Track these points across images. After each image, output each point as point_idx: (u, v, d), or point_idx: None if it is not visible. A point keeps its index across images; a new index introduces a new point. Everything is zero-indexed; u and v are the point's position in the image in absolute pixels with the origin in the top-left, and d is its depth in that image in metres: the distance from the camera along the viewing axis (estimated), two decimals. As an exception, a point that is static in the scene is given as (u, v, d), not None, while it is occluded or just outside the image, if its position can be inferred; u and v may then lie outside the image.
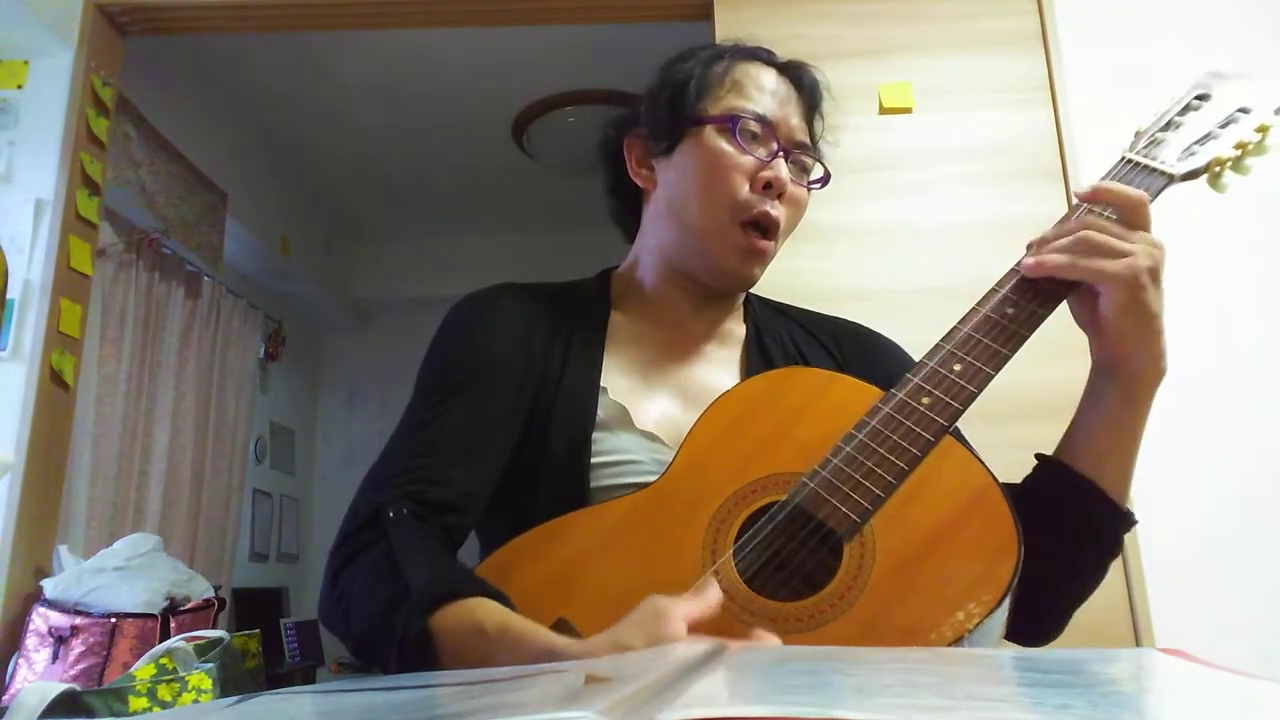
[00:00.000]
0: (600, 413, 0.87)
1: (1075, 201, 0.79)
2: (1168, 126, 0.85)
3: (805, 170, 0.95)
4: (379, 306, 5.07)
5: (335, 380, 5.11)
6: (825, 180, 0.97)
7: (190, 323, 3.56)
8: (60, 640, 1.98)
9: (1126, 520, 0.79)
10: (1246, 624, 1.88)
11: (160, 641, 1.87)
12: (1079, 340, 0.79)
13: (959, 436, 0.75)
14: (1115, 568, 1.92)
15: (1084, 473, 0.77)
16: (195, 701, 1.60)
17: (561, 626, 0.69)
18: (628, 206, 1.02)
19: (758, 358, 0.95)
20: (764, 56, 0.96)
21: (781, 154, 0.90)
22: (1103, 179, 0.81)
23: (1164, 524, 1.93)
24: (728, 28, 2.24)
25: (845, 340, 0.99)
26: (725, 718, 0.27)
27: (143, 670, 1.65)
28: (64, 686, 1.49)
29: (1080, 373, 0.81)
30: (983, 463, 0.71)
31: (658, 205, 0.96)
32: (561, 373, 0.90)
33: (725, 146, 0.90)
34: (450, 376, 0.88)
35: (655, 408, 0.90)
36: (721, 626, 0.63)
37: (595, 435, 0.86)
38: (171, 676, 1.63)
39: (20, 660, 1.99)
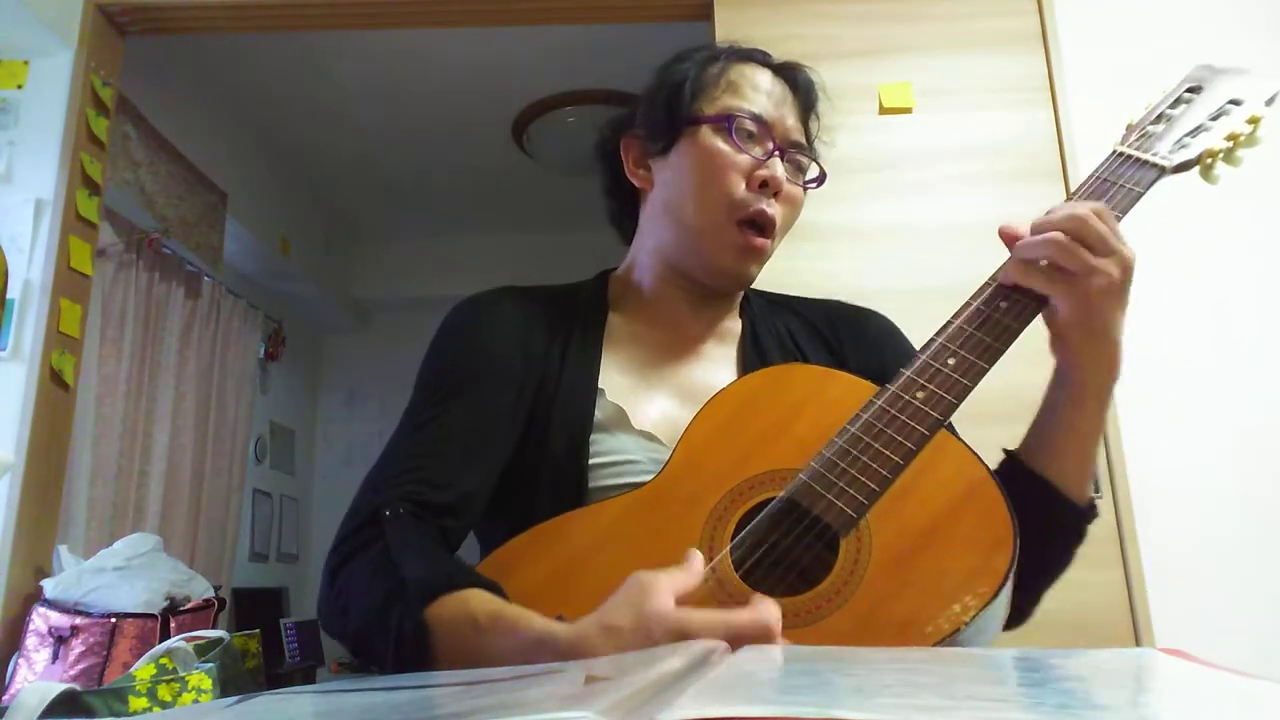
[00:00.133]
0: (598, 414, 0.88)
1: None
2: (1159, 119, 0.85)
3: (801, 170, 0.95)
4: (379, 306, 5.07)
5: (335, 380, 5.11)
6: (821, 180, 0.97)
7: (190, 323, 3.56)
8: (60, 640, 1.98)
9: (1086, 514, 0.80)
10: (1246, 624, 1.88)
11: (160, 641, 1.87)
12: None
13: (952, 431, 0.75)
14: (1115, 567, 1.94)
15: (1040, 471, 0.79)
16: (195, 701, 1.60)
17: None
18: (625, 207, 1.03)
19: (753, 354, 0.95)
20: (759, 58, 0.96)
21: (777, 153, 0.90)
22: (1093, 172, 0.82)
23: (1164, 524, 1.93)
24: (728, 28, 2.24)
25: (842, 325, 1.00)
26: (725, 718, 0.27)
27: (143, 670, 1.65)
28: (64, 686, 1.49)
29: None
30: (977, 456, 0.72)
31: (655, 205, 0.97)
32: (560, 374, 0.90)
33: (721, 146, 0.90)
34: (450, 378, 0.89)
35: (654, 408, 0.90)
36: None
37: (594, 436, 0.86)
38: (171, 676, 1.63)
39: (20, 660, 1.99)
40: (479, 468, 0.85)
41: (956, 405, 0.71)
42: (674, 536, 0.72)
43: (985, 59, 2.22)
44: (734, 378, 0.93)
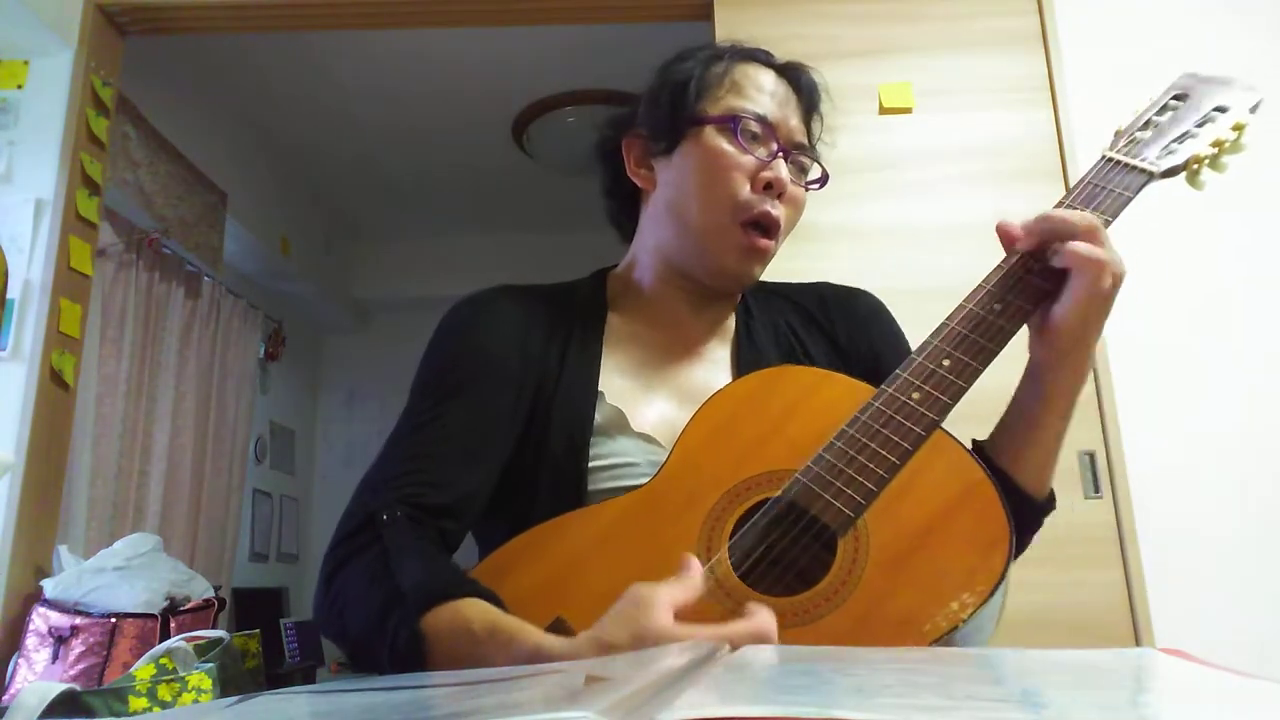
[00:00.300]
0: (597, 416, 0.87)
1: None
2: (1147, 126, 0.86)
3: (803, 171, 0.95)
4: (379, 306, 5.07)
5: (335, 380, 5.11)
6: (823, 181, 0.97)
7: (190, 323, 3.56)
8: (60, 640, 1.98)
9: (1043, 508, 0.82)
10: (1246, 624, 1.88)
11: (160, 641, 1.87)
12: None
13: (947, 432, 0.76)
14: (1115, 567, 1.94)
15: (1003, 466, 0.80)
16: (195, 701, 1.60)
17: (559, 625, 0.69)
18: (624, 207, 1.02)
19: (748, 351, 0.95)
20: (762, 58, 0.96)
21: (781, 154, 0.90)
22: (1083, 178, 0.83)
23: (1164, 524, 1.93)
24: (728, 28, 2.24)
25: (833, 305, 1.00)
26: (725, 718, 0.27)
27: (143, 670, 1.65)
28: (64, 686, 1.49)
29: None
30: (973, 456, 0.72)
31: (656, 205, 0.96)
32: (559, 375, 0.90)
33: (726, 146, 0.90)
34: (448, 378, 0.88)
35: (653, 410, 0.90)
36: (713, 618, 0.63)
37: (593, 439, 0.86)
38: (171, 676, 1.63)
39: (20, 660, 1.99)
40: (478, 468, 0.84)
41: (952, 406, 0.72)
42: (671, 538, 0.72)
43: (985, 59, 2.22)
44: (729, 378, 0.93)
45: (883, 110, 2.19)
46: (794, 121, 0.93)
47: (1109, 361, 2.00)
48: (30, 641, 1.99)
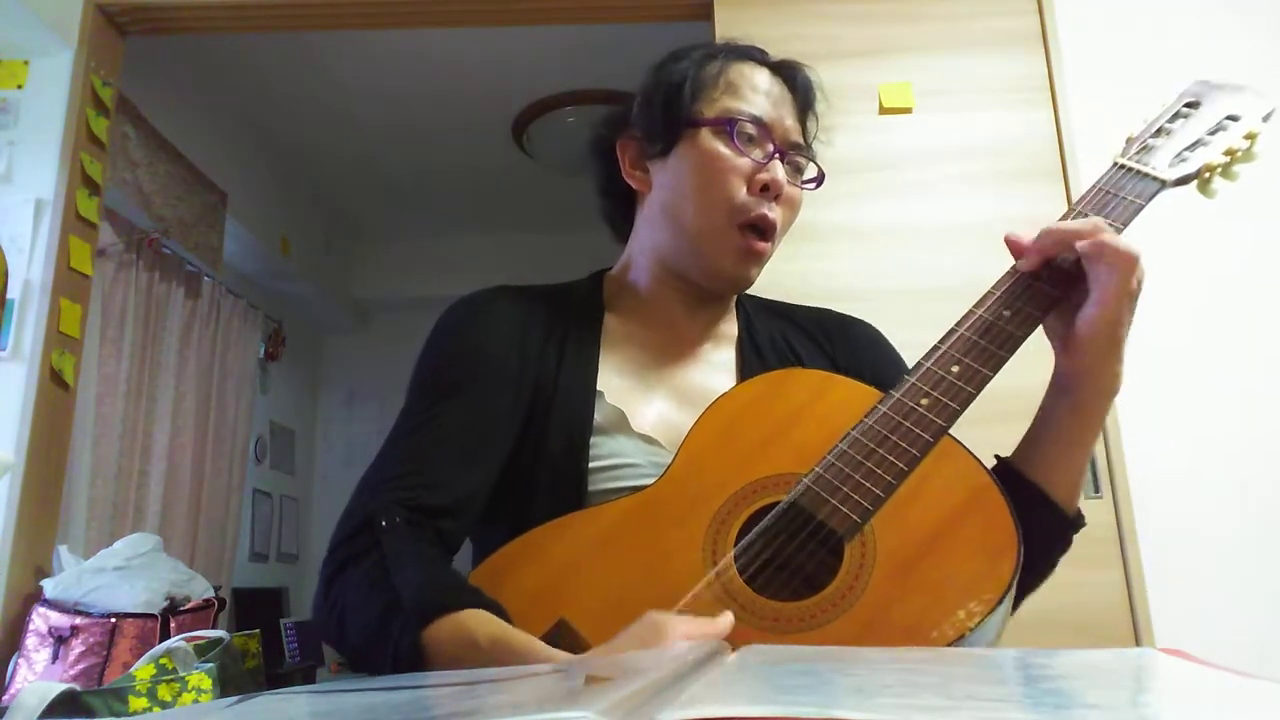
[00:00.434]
0: (597, 416, 0.87)
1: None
2: (1159, 133, 0.86)
3: (799, 171, 0.95)
4: (379, 306, 5.07)
5: (335, 380, 5.11)
6: (820, 180, 0.97)
7: (190, 323, 3.56)
8: (60, 640, 1.98)
9: (1074, 524, 0.80)
10: (1246, 624, 1.88)
11: (160, 641, 1.87)
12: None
13: (955, 439, 0.75)
14: (1115, 567, 1.94)
15: (1034, 479, 0.78)
16: (195, 701, 1.60)
17: (562, 627, 0.68)
18: (620, 206, 1.02)
19: (752, 357, 0.95)
20: (757, 56, 0.96)
21: (778, 155, 0.90)
22: (1094, 184, 0.82)
23: (1164, 524, 1.93)
24: (728, 28, 2.24)
25: (833, 331, 1.00)
26: (725, 718, 0.27)
27: (143, 670, 1.65)
28: (64, 686, 1.49)
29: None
30: (981, 463, 0.72)
31: (652, 207, 0.96)
32: (557, 375, 0.89)
33: (722, 149, 0.89)
34: (445, 378, 0.88)
35: (651, 410, 0.89)
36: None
37: (593, 439, 0.86)
38: (171, 676, 1.63)
39: (20, 660, 1.99)
40: (476, 469, 0.84)
41: (960, 412, 0.71)
42: (676, 540, 0.72)
43: (985, 59, 2.22)
44: (731, 381, 0.93)
45: (883, 110, 2.19)
46: (789, 121, 0.92)
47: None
48: (30, 641, 1.99)
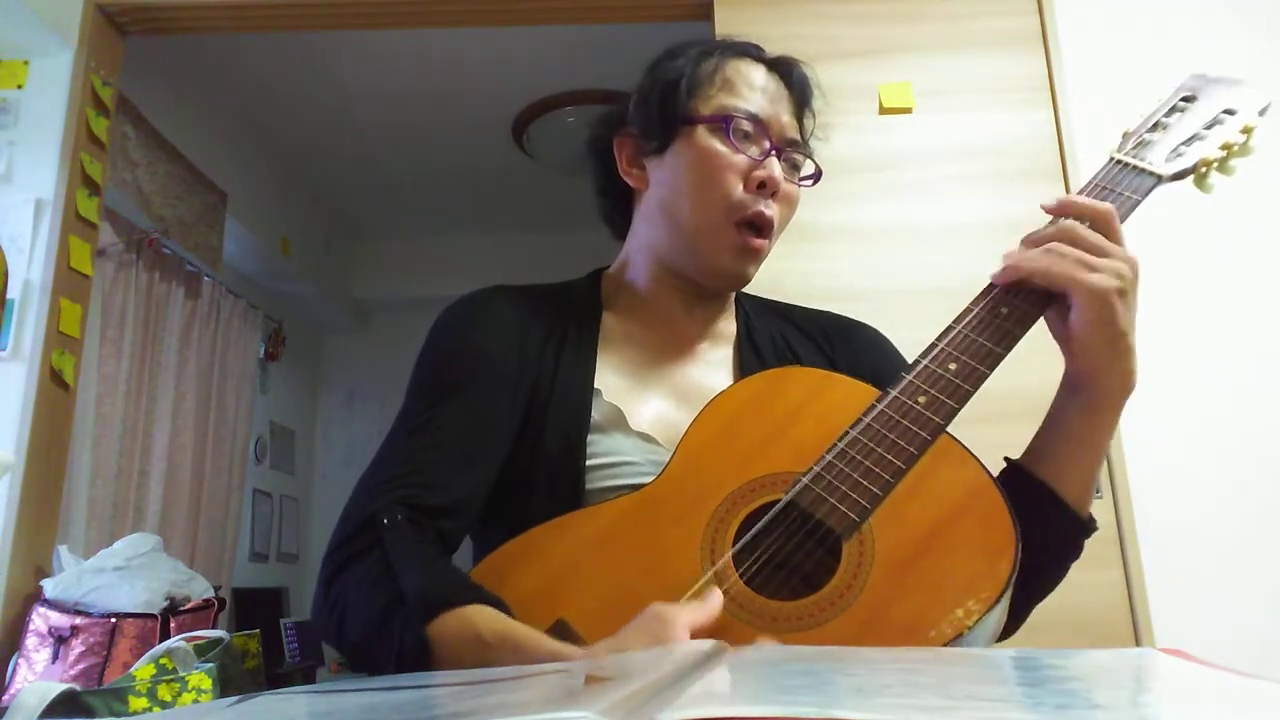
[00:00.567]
0: (595, 414, 0.87)
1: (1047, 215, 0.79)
2: (1155, 128, 0.86)
3: (796, 168, 0.94)
4: (379, 306, 5.07)
5: (335, 380, 5.11)
6: (817, 177, 0.96)
7: (190, 323, 3.56)
8: (60, 640, 1.98)
9: (1086, 527, 0.79)
10: (1246, 624, 1.88)
11: (160, 641, 1.87)
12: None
13: (953, 437, 0.75)
14: (1115, 567, 1.94)
15: (1045, 481, 0.78)
16: (195, 701, 1.60)
17: (561, 627, 0.68)
18: (617, 205, 1.02)
19: (751, 356, 0.94)
20: (753, 53, 0.95)
21: (774, 152, 0.90)
22: (1091, 180, 0.82)
23: (1164, 524, 1.93)
24: (728, 28, 2.24)
25: (833, 334, 1.00)
26: (725, 718, 0.27)
27: (143, 670, 1.65)
28: (64, 686, 1.49)
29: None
30: (979, 461, 0.72)
31: (649, 205, 0.96)
32: (555, 374, 0.89)
33: (719, 146, 0.89)
34: (444, 379, 0.88)
35: (650, 409, 0.89)
36: (722, 627, 0.63)
37: (590, 437, 0.85)
38: (171, 676, 1.63)
39: (20, 660, 1.99)
40: (475, 469, 0.84)
41: (958, 410, 0.71)
42: (675, 539, 0.72)
43: (985, 59, 2.22)
44: (730, 379, 0.92)
45: (883, 110, 2.19)
46: (786, 118, 0.92)
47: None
48: (30, 641, 1.99)
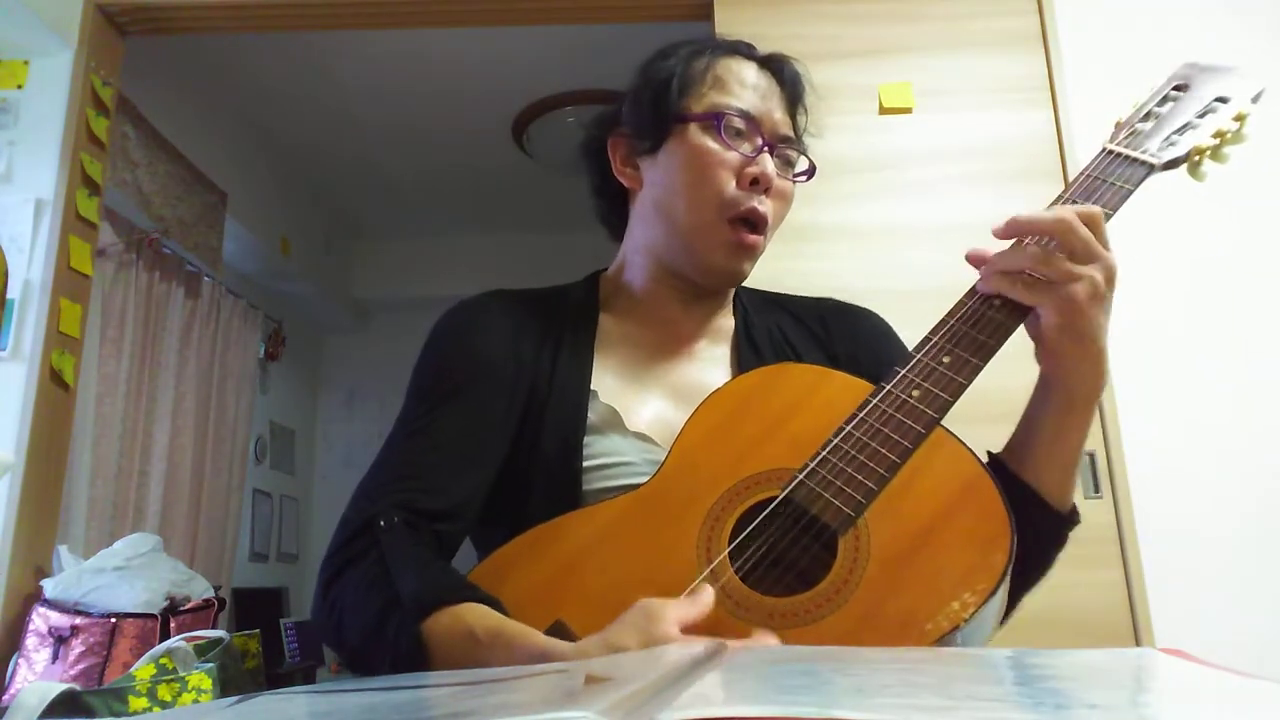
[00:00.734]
0: (591, 416, 0.87)
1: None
2: (1147, 117, 0.85)
3: (790, 164, 0.94)
4: (379, 306, 5.07)
5: (335, 380, 5.11)
6: (811, 173, 0.96)
7: (190, 323, 3.56)
8: (60, 640, 1.98)
9: (1068, 520, 0.80)
10: (1246, 624, 1.88)
11: (160, 641, 1.87)
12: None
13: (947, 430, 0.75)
14: (1115, 567, 1.94)
15: (1024, 479, 0.78)
16: (195, 701, 1.60)
17: (559, 628, 0.68)
18: (613, 206, 1.02)
19: (748, 352, 0.94)
20: (745, 50, 0.95)
21: (766, 149, 0.90)
22: (1084, 170, 0.82)
23: (1164, 524, 1.93)
24: (728, 28, 2.24)
25: (831, 320, 1.00)
26: (725, 718, 0.27)
27: (143, 670, 1.65)
28: (64, 686, 1.49)
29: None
30: (973, 454, 0.72)
31: (644, 204, 0.96)
32: (552, 377, 0.89)
33: (710, 144, 0.89)
34: (442, 383, 0.88)
35: (648, 409, 0.89)
36: (718, 624, 0.63)
37: (587, 439, 0.86)
38: (171, 676, 1.63)
39: (20, 660, 1.99)
40: (473, 473, 0.84)
41: (952, 403, 0.71)
42: (671, 538, 0.72)
43: (985, 59, 2.22)
44: (728, 377, 0.93)
45: (883, 110, 2.19)
46: (778, 114, 0.92)
47: (1108, 361, 2.00)
48: (30, 641, 1.99)
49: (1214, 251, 2.11)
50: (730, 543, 0.70)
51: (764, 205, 0.89)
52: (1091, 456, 1.96)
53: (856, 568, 0.66)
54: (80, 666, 1.96)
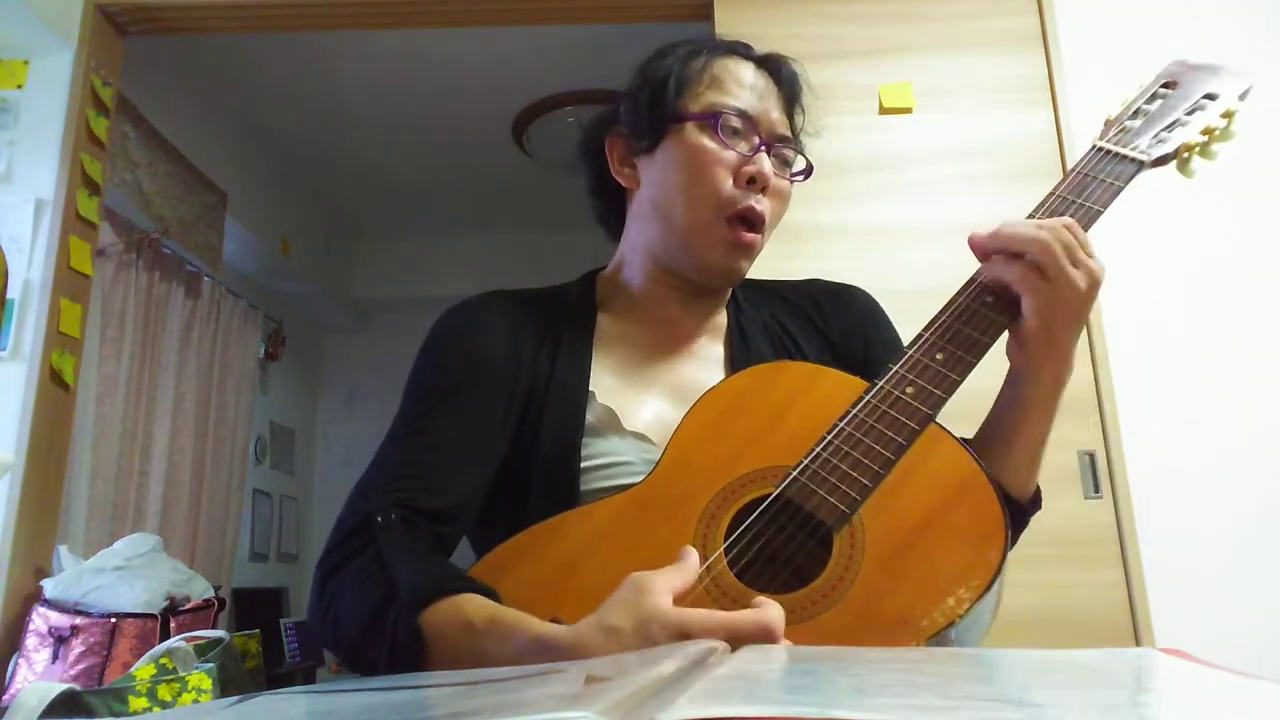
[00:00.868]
0: (589, 416, 0.87)
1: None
2: (1136, 115, 0.86)
3: (787, 163, 0.95)
4: (379, 306, 5.07)
5: (335, 380, 5.11)
6: (808, 172, 0.97)
7: (190, 323, 3.56)
8: (60, 640, 1.98)
9: (1029, 510, 0.83)
10: (1246, 624, 1.88)
11: (160, 641, 1.87)
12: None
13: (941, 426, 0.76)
14: (1115, 567, 1.94)
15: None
16: (195, 701, 1.60)
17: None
18: (611, 206, 1.02)
19: (740, 348, 0.95)
20: (742, 50, 0.96)
21: (763, 148, 0.90)
22: (1074, 167, 0.83)
23: (1164, 524, 1.93)
24: (728, 28, 2.24)
25: (824, 302, 1.01)
26: (725, 718, 0.27)
27: (143, 670, 1.65)
28: (64, 686, 1.49)
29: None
30: (968, 450, 0.72)
31: (641, 204, 0.96)
32: (550, 377, 0.89)
33: (707, 143, 0.89)
34: (440, 384, 0.88)
35: (646, 409, 0.90)
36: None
37: (585, 439, 0.86)
38: (171, 676, 1.63)
39: (20, 660, 1.99)
40: (471, 474, 0.84)
41: (945, 400, 0.72)
42: (667, 536, 0.72)
43: (985, 59, 2.22)
44: (722, 374, 0.93)
45: (883, 110, 2.19)
46: (775, 114, 0.93)
47: (1109, 361, 2.00)
48: (30, 641, 1.99)
49: (1214, 251, 2.11)
50: (726, 540, 0.70)
51: (761, 204, 0.90)
52: (1091, 456, 1.96)
53: (852, 564, 0.67)
54: (80, 666, 1.96)
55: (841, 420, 0.72)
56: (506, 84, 3.51)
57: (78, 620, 2.00)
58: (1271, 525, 1.95)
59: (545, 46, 3.24)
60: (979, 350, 0.73)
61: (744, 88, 0.92)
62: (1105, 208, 0.78)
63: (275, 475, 4.49)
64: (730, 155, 0.89)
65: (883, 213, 2.12)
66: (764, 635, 0.56)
